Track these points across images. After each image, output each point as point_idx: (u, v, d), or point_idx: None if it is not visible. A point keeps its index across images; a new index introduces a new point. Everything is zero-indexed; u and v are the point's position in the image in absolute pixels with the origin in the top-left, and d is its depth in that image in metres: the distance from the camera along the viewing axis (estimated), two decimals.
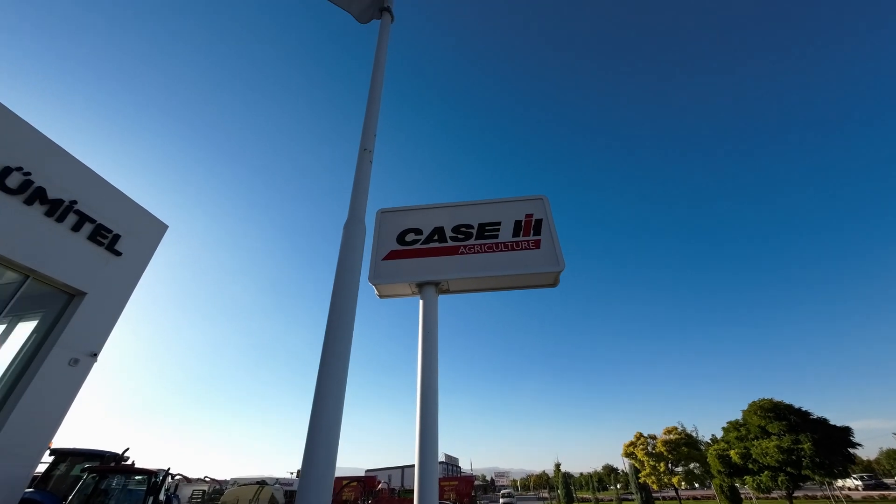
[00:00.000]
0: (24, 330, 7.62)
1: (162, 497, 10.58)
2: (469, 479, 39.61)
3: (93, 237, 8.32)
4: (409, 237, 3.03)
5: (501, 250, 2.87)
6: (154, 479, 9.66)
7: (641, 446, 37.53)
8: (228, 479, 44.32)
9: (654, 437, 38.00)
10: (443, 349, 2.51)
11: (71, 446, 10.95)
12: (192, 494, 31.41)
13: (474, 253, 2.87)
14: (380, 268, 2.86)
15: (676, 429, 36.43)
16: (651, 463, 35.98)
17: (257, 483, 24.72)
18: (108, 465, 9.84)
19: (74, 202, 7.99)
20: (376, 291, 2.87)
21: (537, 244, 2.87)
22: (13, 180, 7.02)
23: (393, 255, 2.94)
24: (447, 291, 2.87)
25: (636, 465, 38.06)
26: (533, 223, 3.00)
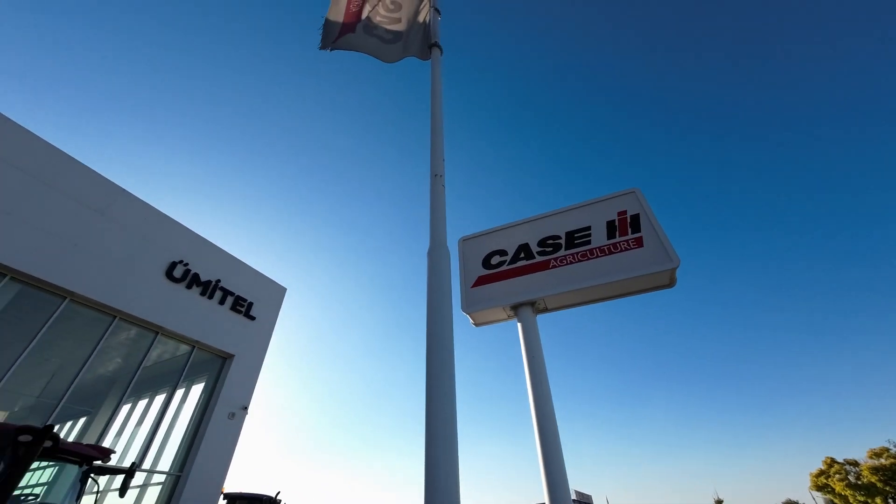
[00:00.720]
0: (196, 392, 9.29)
1: None
2: None
3: (234, 307, 10.00)
4: (495, 260, 2.94)
5: (597, 256, 2.60)
6: None
7: (838, 476, 29.37)
8: None
9: (854, 464, 29.54)
10: (552, 371, 2.30)
11: (237, 490, 12.68)
12: None
13: (567, 264, 2.66)
14: (470, 295, 2.80)
15: (888, 450, 27.84)
16: (860, 498, 27.75)
17: None
18: None
19: (219, 281, 9.75)
20: (471, 320, 2.81)
21: (639, 242, 2.54)
22: (178, 271, 8.89)
23: (481, 281, 2.87)
24: (545, 310, 2.68)
25: (835, 500, 29.71)
26: (629, 220, 2.69)
